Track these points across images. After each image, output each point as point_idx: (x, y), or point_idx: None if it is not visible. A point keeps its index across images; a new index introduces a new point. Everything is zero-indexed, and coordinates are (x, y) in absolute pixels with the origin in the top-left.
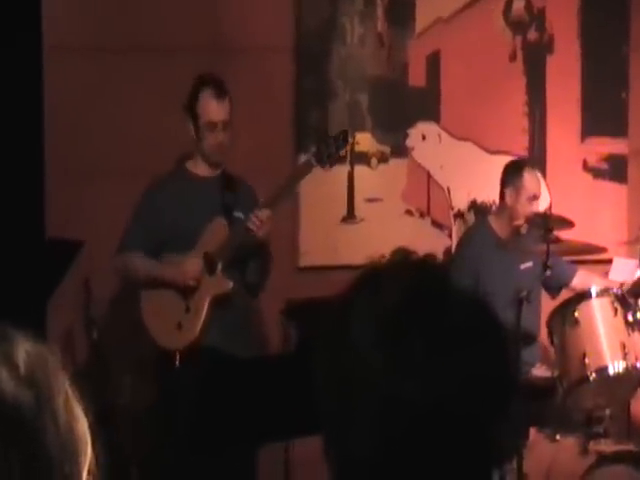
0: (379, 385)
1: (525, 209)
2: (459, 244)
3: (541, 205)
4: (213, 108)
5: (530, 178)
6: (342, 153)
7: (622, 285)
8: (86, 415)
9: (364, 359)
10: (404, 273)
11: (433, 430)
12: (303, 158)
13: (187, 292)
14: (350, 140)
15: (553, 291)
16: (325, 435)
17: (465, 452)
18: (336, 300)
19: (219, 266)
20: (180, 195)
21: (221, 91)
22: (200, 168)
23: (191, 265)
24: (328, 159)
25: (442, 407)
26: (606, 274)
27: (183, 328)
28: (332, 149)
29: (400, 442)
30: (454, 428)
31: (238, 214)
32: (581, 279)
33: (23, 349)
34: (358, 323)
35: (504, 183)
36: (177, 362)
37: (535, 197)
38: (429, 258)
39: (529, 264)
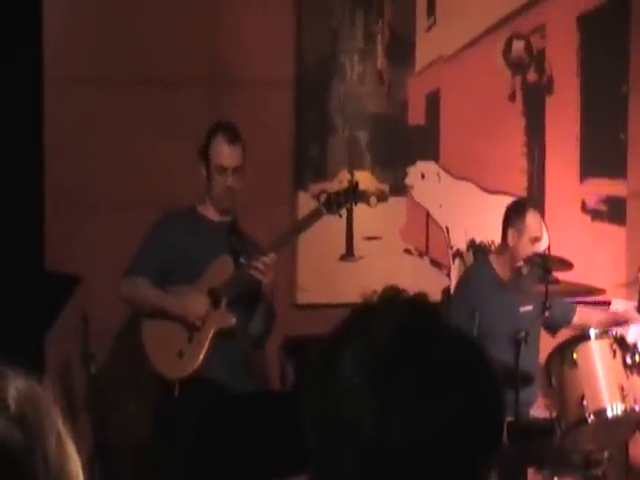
0: (366, 425)
1: (527, 251)
2: (459, 283)
3: (540, 245)
4: (225, 153)
5: (533, 220)
6: (350, 204)
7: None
8: (79, 454)
9: (351, 399)
10: (393, 312)
11: (420, 471)
12: (302, 194)
13: (191, 324)
14: (360, 193)
15: (552, 330)
16: (311, 474)
17: None
18: (326, 338)
19: (223, 301)
20: (190, 230)
21: (234, 137)
22: (210, 212)
23: (198, 304)
24: (337, 208)
25: (429, 448)
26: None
27: (184, 357)
28: (342, 199)
29: None
30: (442, 469)
31: (243, 260)
32: (581, 316)
33: (14, 387)
34: (346, 362)
35: (506, 224)
36: (176, 391)
37: (537, 239)
38: (419, 297)
39: (529, 307)
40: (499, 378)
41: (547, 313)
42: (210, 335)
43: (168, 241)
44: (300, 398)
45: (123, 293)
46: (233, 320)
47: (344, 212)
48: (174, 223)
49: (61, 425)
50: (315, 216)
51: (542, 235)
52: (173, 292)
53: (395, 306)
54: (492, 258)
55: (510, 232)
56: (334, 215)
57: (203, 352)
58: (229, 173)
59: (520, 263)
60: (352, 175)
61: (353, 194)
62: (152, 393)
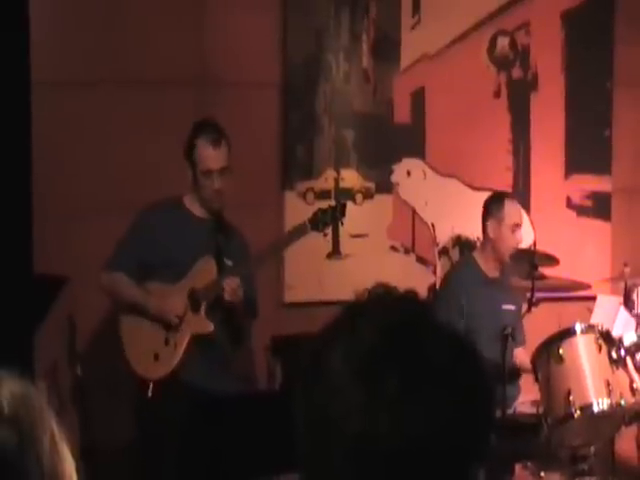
0: (354, 423)
1: (509, 240)
2: (445, 280)
3: (525, 241)
4: (210, 156)
5: (511, 207)
6: (339, 223)
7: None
8: (73, 455)
9: (339, 397)
10: (382, 310)
11: (409, 469)
12: (289, 193)
13: (169, 325)
14: (345, 214)
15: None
16: (303, 472)
17: None
18: (316, 337)
19: (203, 306)
20: (175, 226)
21: (218, 137)
22: (197, 209)
23: (176, 302)
24: (323, 227)
25: (417, 446)
26: (589, 310)
27: (160, 359)
28: (328, 218)
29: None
30: (431, 467)
31: (228, 261)
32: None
33: (8, 389)
34: (334, 360)
35: (485, 217)
36: (149, 392)
37: (517, 225)
38: (409, 294)
39: (511, 307)
40: (489, 376)
41: (533, 309)
42: (187, 340)
43: (151, 235)
44: (292, 397)
45: (103, 286)
46: (211, 327)
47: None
48: (157, 217)
49: (55, 427)
50: (300, 232)
51: (522, 222)
52: (154, 291)
53: (384, 304)
54: (476, 255)
55: (490, 224)
56: (319, 232)
57: (178, 356)
58: (216, 176)
59: (504, 255)
60: (338, 173)
61: (340, 214)
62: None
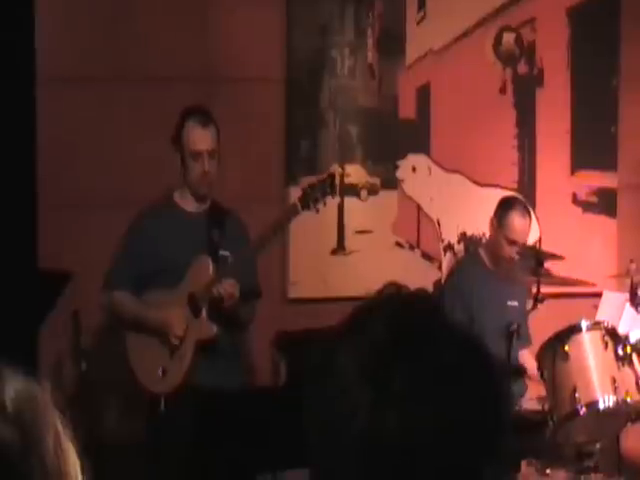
0: (360, 420)
1: (502, 249)
2: (450, 275)
3: (531, 238)
4: (198, 137)
5: (515, 222)
6: (328, 197)
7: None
8: (79, 454)
9: (347, 394)
10: (393, 309)
11: (417, 467)
12: (293, 189)
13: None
14: (337, 184)
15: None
16: (310, 468)
17: None
18: (326, 334)
19: (204, 310)
20: (167, 230)
21: (206, 120)
22: (187, 202)
23: (177, 321)
24: (314, 204)
25: (425, 444)
26: (595, 307)
27: (168, 374)
28: (318, 194)
29: (381, 478)
30: (439, 465)
31: (224, 252)
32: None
33: (12, 387)
34: (343, 358)
35: (494, 214)
36: (162, 406)
37: (514, 242)
38: (420, 293)
39: (515, 303)
40: (499, 376)
41: (539, 306)
42: (191, 348)
43: (146, 244)
44: (299, 392)
45: (103, 305)
46: (214, 330)
47: (335, 206)
48: (150, 224)
49: (59, 425)
50: (291, 212)
51: (522, 240)
52: (153, 304)
53: (394, 302)
54: (482, 250)
55: (491, 223)
56: (311, 211)
57: (185, 368)
58: (204, 157)
59: (500, 261)
60: (343, 169)
61: (330, 187)
62: (141, 399)
